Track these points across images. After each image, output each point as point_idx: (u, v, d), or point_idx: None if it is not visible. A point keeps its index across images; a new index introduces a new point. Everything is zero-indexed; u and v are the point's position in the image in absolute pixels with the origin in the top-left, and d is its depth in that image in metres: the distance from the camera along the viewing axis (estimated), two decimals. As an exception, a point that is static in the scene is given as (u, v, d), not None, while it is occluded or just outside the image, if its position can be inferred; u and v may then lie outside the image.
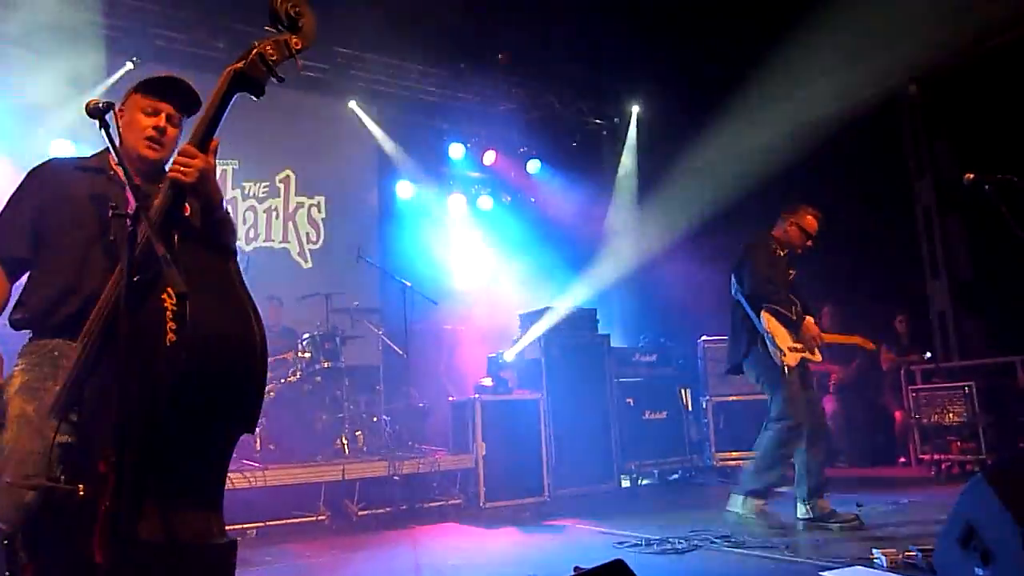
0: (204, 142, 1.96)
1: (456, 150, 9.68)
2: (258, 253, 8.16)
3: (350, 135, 8.91)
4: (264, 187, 8.47)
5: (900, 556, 3.64)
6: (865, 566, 3.64)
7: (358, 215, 8.84)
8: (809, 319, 4.94)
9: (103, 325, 1.81)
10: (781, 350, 4.75)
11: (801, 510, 4.83)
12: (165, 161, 2.27)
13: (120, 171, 2.22)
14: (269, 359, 5.66)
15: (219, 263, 1.88)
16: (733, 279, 5.09)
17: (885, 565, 3.60)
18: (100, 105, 2.09)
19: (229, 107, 1.98)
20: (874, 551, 3.74)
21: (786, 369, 4.75)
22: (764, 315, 4.82)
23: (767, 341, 4.79)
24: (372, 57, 8.51)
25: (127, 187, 2.19)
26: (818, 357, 4.98)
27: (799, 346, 4.85)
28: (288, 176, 8.65)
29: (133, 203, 1.85)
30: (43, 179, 2.26)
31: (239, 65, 1.94)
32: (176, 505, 1.68)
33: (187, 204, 2.02)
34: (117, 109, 2.30)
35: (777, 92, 8.55)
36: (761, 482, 4.81)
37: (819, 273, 8.35)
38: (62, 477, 1.74)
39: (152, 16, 7.23)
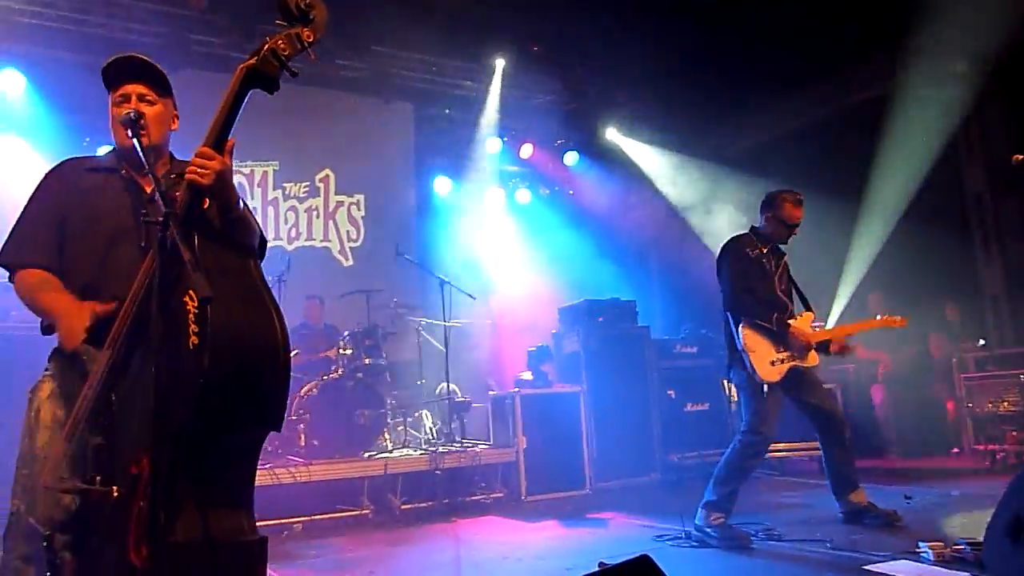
0: (220, 142, 1.95)
1: (493, 144, 9.69)
2: (300, 252, 8.32)
3: (387, 133, 8.99)
4: (304, 187, 8.60)
5: (948, 550, 3.55)
6: (911, 560, 3.57)
7: (397, 212, 8.92)
8: (801, 320, 4.63)
9: (129, 329, 1.85)
10: (756, 370, 4.42)
11: (841, 506, 4.66)
12: (163, 145, 2.27)
13: (131, 169, 2.25)
14: (311, 357, 5.77)
15: (239, 262, 1.90)
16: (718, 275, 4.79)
17: (932, 559, 3.51)
18: (131, 115, 2.14)
19: (243, 105, 1.97)
20: (920, 544, 3.65)
21: (764, 387, 4.44)
22: (743, 330, 4.48)
23: (745, 361, 4.46)
24: (408, 55, 8.56)
25: (140, 187, 2.23)
26: (813, 361, 4.59)
27: (783, 356, 4.48)
28: (327, 176, 8.77)
29: (158, 204, 1.85)
30: (61, 182, 2.28)
31: (251, 62, 1.93)
32: (207, 504, 1.72)
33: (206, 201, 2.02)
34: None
35: (822, 69, 8.39)
36: (718, 493, 4.46)
37: (866, 258, 8.20)
38: (97, 479, 1.79)
39: (190, 23, 7.37)
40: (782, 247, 4.85)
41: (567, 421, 6.58)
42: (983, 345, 7.53)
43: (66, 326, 2.02)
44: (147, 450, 1.64)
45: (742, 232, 4.86)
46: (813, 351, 4.58)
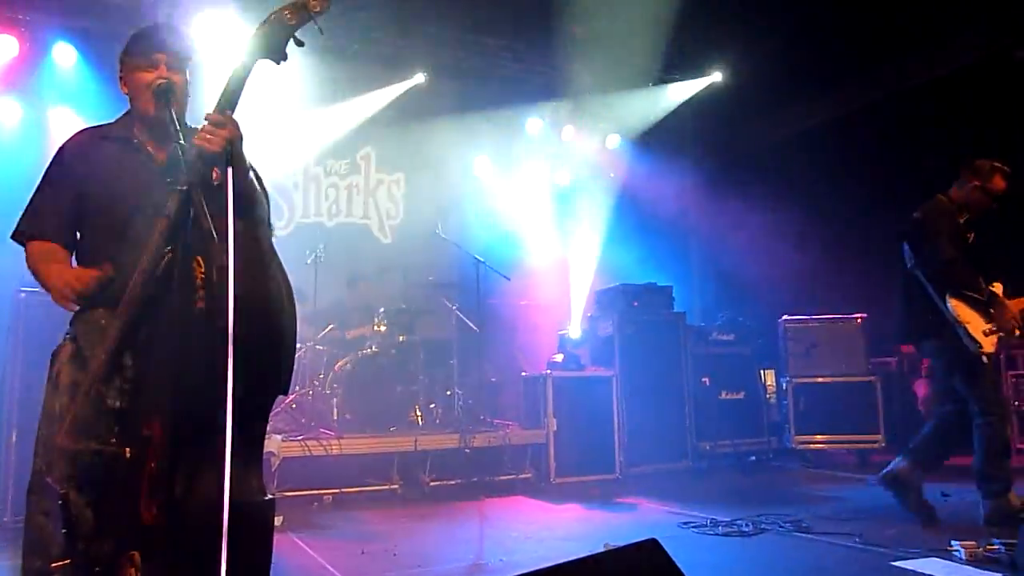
0: (227, 111, 1.97)
1: (534, 125, 9.62)
2: (339, 228, 8.40)
3: (429, 112, 8.98)
4: (345, 164, 8.67)
5: (981, 549, 3.46)
6: (941, 558, 3.48)
7: (436, 191, 8.92)
8: (1000, 293, 4.35)
9: (142, 294, 1.88)
10: (978, 341, 4.20)
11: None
12: (182, 115, 2.27)
13: (141, 137, 2.27)
14: (347, 333, 5.83)
15: (248, 230, 1.92)
16: (907, 248, 4.53)
17: (964, 557, 3.42)
18: (165, 85, 2.17)
19: (249, 77, 1.98)
20: (952, 543, 3.56)
21: (984, 359, 4.22)
22: (953, 302, 4.26)
23: (960, 333, 4.24)
24: (449, 33, 8.52)
25: (153, 157, 2.26)
26: (1017, 333, 4.34)
27: (990, 327, 4.25)
28: (368, 153, 8.82)
29: (181, 172, 1.86)
30: (76, 154, 2.31)
31: (258, 32, 1.96)
32: (217, 465, 1.75)
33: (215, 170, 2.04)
34: (120, 83, 2.34)
35: (872, 59, 8.14)
36: (1001, 482, 4.23)
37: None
38: (113, 440, 1.84)
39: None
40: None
41: (598, 405, 6.56)
42: (1034, 341, 7.26)
43: (59, 288, 2.07)
44: (159, 412, 1.68)
45: (940, 197, 4.58)
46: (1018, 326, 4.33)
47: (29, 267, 2.25)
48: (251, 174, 2.06)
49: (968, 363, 4.25)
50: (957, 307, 4.26)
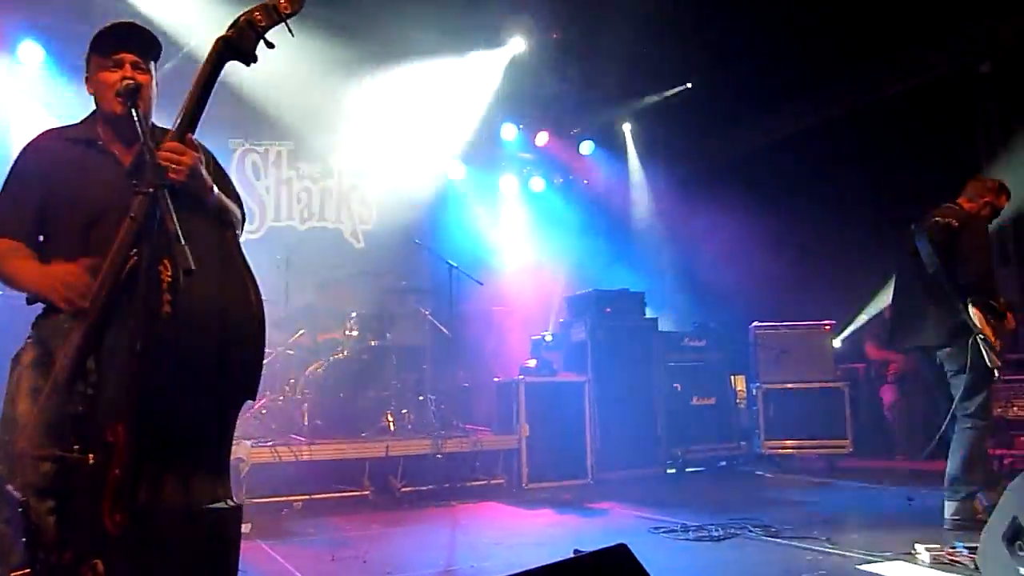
0: (194, 119, 1.95)
1: (509, 131, 9.65)
2: (312, 233, 8.34)
3: (402, 116, 8.96)
4: (318, 168, 8.61)
5: (944, 552, 3.51)
6: (906, 561, 3.53)
7: (410, 197, 8.90)
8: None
9: (106, 299, 1.84)
10: (996, 353, 4.26)
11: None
12: (149, 115, 2.23)
13: (106, 138, 2.23)
14: (318, 337, 5.78)
15: (216, 232, 1.90)
16: (929, 253, 4.41)
17: (927, 561, 3.48)
18: (132, 86, 2.13)
19: (217, 80, 1.96)
20: (917, 546, 3.61)
21: (995, 372, 4.30)
22: (974, 311, 4.28)
23: (981, 341, 4.25)
24: (425, 37, 8.51)
25: (118, 160, 2.22)
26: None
27: (998, 341, 4.34)
28: (342, 157, 8.76)
29: (147, 174, 1.84)
30: (41, 155, 2.26)
31: (228, 34, 1.93)
32: (182, 472, 1.73)
33: None
34: (86, 84, 2.29)
35: (837, 68, 8.26)
36: (972, 486, 4.31)
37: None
38: (76, 447, 1.80)
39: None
40: None
41: (571, 410, 6.57)
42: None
43: (59, 289, 1.99)
44: (122, 418, 1.65)
45: (968, 205, 4.64)
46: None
47: None
48: (215, 191, 2.05)
49: (982, 370, 4.29)
50: (978, 317, 4.30)
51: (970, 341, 4.29)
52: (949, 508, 4.32)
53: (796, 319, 7.45)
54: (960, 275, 4.37)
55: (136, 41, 2.23)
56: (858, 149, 8.16)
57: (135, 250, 1.81)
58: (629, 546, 1.86)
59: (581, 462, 6.49)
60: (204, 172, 2.01)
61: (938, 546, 3.56)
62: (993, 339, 4.29)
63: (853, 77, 8.35)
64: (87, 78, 2.29)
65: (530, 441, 6.28)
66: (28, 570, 1.86)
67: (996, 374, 4.31)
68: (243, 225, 2.24)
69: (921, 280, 4.53)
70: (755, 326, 7.51)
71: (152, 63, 2.28)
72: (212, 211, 2.05)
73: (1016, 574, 2.99)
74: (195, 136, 2.05)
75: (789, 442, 7.21)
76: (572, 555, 1.73)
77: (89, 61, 2.28)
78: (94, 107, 2.32)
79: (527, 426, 6.31)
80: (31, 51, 6.93)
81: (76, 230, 2.15)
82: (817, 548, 3.90)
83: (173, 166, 1.91)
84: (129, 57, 2.20)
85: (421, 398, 6.81)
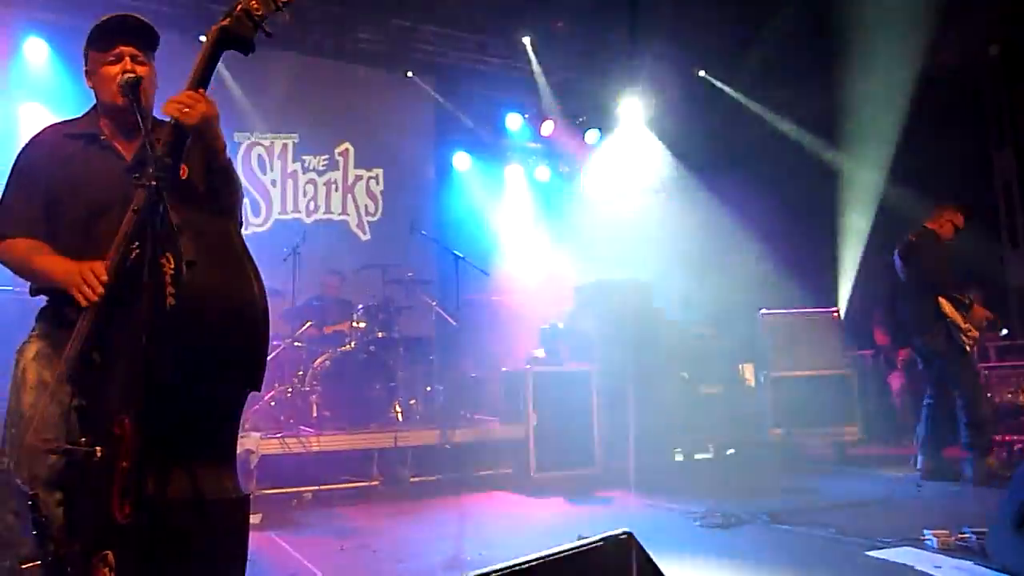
0: (200, 89, 1.95)
1: (514, 120, 9.62)
2: (317, 225, 8.35)
3: (407, 108, 8.96)
4: (323, 160, 8.61)
5: (952, 538, 3.51)
6: (914, 547, 3.53)
7: (415, 187, 8.91)
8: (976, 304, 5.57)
9: (109, 292, 1.86)
10: (965, 334, 5.37)
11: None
12: (150, 108, 2.23)
13: (107, 132, 2.23)
14: (325, 329, 5.80)
15: (219, 224, 1.90)
16: (900, 263, 5.75)
17: (936, 547, 3.48)
18: (131, 80, 2.12)
19: (216, 66, 1.97)
20: (925, 532, 3.61)
21: (966, 347, 5.41)
22: (942, 301, 5.42)
23: (951, 327, 5.39)
24: (429, 28, 8.50)
25: (120, 155, 2.22)
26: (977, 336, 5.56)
27: (968, 327, 5.42)
28: (347, 149, 8.76)
29: (148, 168, 1.82)
30: (43, 151, 2.26)
31: (225, 22, 1.92)
32: (188, 463, 1.74)
33: (184, 165, 2.01)
34: (86, 78, 2.29)
35: (847, 54, 8.20)
36: (976, 445, 5.35)
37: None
38: (83, 440, 1.81)
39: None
40: None
41: (578, 399, 6.56)
42: (1006, 335, 7.39)
43: (78, 283, 1.96)
44: (129, 410, 1.67)
45: (929, 226, 5.85)
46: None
47: (12, 262, 2.19)
48: (227, 149, 2.05)
49: (952, 354, 5.43)
50: (946, 307, 5.43)
51: (939, 329, 5.44)
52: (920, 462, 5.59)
53: (803, 305, 7.44)
54: (915, 274, 5.64)
55: (134, 34, 2.23)
56: (868, 133, 8.11)
57: (137, 243, 1.82)
58: (637, 534, 1.86)
59: (589, 451, 6.48)
60: (217, 125, 2.00)
61: (947, 532, 3.56)
62: (965, 324, 5.40)
63: (861, 64, 8.28)
64: (87, 71, 2.29)
65: (538, 430, 6.27)
66: (39, 561, 1.88)
67: (967, 349, 5.42)
68: (242, 204, 2.23)
69: (893, 287, 5.93)
70: (763, 313, 7.49)
71: (152, 55, 2.28)
72: (220, 171, 2.04)
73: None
74: None
75: (797, 429, 7.19)
76: (577, 541, 1.73)
77: (87, 55, 2.28)
78: (95, 102, 2.32)
79: (535, 415, 6.31)
80: (36, 48, 6.95)
81: (79, 224, 2.16)
82: (825, 535, 3.90)
83: (185, 110, 1.90)
84: (128, 50, 2.20)
85: (429, 389, 6.84)
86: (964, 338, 5.38)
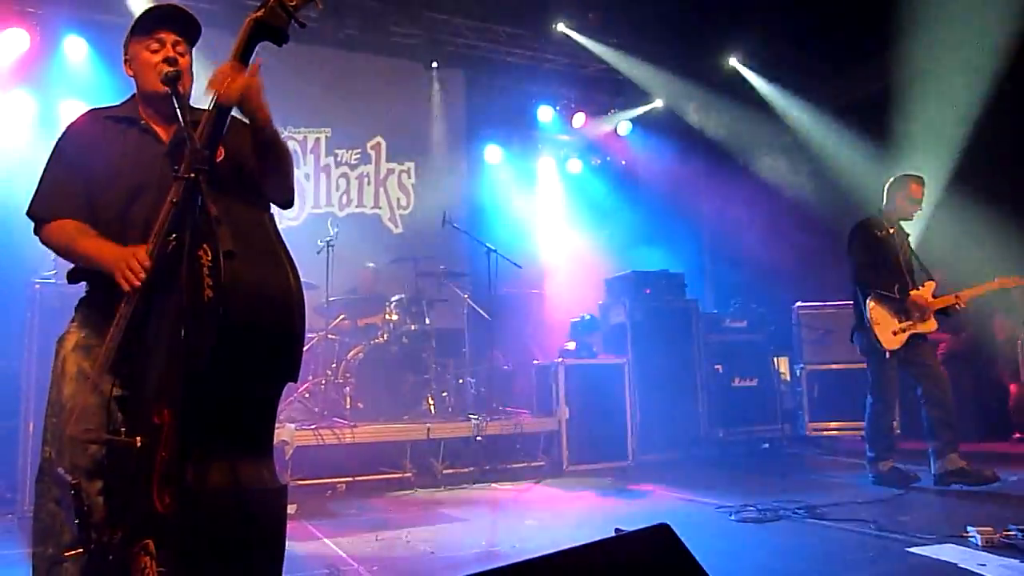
0: (240, 63, 1.93)
1: (545, 113, 9.59)
2: (350, 219, 8.40)
3: (439, 101, 8.97)
4: (356, 154, 8.65)
5: (997, 535, 3.42)
6: (957, 544, 3.45)
7: (447, 180, 8.91)
8: (924, 289, 5.21)
9: (148, 282, 1.87)
10: (879, 340, 5.11)
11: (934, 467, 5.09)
12: (188, 95, 2.23)
13: (146, 117, 2.24)
14: (358, 322, 5.85)
15: (254, 215, 1.90)
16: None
17: (979, 544, 3.39)
18: (172, 74, 2.13)
19: (251, 59, 1.95)
20: (969, 528, 3.53)
21: (887, 354, 5.12)
22: (870, 302, 5.17)
23: (868, 329, 5.16)
24: (460, 21, 8.48)
25: (159, 138, 2.24)
26: (932, 325, 5.19)
27: (904, 325, 5.14)
28: (379, 143, 8.80)
29: (188, 157, 1.84)
30: (82, 135, 2.28)
31: (259, 14, 1.91)
32: (227, 454, 1.75)
33: (221, 148, 2.00)
34: (124, 64, 2.31)
35: (877, 46, 8.00)
36: (874, 450, 5.29)
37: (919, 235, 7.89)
38: (122, 430, 1.84)
39: None
40: (905, 225, 5.50)
41: (611, 392, 6.54)
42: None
43: (122, 268, 1.96)
44: (168, 401, 1.68)
45: (871, 216, 5.47)
46: (932, 318, 5.18)
47: (58, 245, 2.19)
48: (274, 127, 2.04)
49: (876, 354, 5.20)
50: (872, 309, 5.18)
51: (865, 327, 5.20)
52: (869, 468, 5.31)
53: (839, 298, 7.29)
54: (850, 275, 5.36)
55: (178, 21, 2.25)
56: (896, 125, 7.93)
57: (175, 235, 1.83)
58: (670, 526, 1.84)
59: (622, 444, 6.46)
60: (260, 96, 1.99)
61: (991, 528, 3.47)
62: (896, 323, 5.13)
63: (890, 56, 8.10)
64: (126, 60, 2.31)
65: (570, 423, 6.27)
66: (80, 549, 1.92)
67: (888, 355, 5.12)
68: (294, 174, 2.23)
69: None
70: (798, 306, 7.38)
71: (192, 45, 2.29)
72: (267, 143, 2.03)
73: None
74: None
75: (834, 423, 7.09)
76: (614, 534, 1.71)
77: (128, 44, 2.29)
78: (134, 91, 2.35)
79: (567, 408, 6.30)
80: (76, 46, 7.07)
81: (116, 207, 2.17)
82: (864, 531, 3.83)
83: (229, 83, 1.89)
84: (170, 36, 2.22)
85: (461, 381, 6.85)
86: (882, 339, 5.10)
